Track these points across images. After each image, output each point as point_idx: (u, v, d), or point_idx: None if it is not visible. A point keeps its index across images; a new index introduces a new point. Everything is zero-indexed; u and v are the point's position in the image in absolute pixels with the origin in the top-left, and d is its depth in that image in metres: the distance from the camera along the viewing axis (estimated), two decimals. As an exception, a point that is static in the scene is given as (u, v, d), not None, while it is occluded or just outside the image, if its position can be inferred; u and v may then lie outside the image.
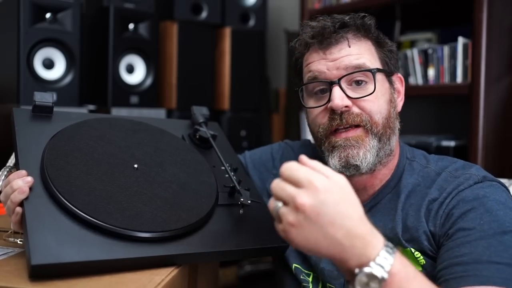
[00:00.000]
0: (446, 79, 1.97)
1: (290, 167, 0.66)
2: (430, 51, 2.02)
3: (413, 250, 0.88)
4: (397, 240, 0.90)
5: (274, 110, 2.93)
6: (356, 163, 0.91)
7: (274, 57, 3.05)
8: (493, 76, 1.82)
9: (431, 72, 2.02)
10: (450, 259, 0.80)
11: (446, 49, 1.97)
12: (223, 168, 1.05)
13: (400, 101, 1.01)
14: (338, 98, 0.91)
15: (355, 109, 0.92)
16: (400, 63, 2.04)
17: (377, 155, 0.92)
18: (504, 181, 1.32)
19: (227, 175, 1.03)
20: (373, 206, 0.97)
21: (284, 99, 2.92)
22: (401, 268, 0.64)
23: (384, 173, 0.97)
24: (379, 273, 0.62)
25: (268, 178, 1.14)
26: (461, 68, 1.91)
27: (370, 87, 0.92)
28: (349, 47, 0.93)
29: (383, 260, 0.63)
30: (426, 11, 2.27)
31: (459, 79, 1.92)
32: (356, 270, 0.63)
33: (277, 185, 0.66)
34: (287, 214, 0.64)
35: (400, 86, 1.01)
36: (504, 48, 1.86)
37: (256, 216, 0.99)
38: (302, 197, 0.63)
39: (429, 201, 0.89)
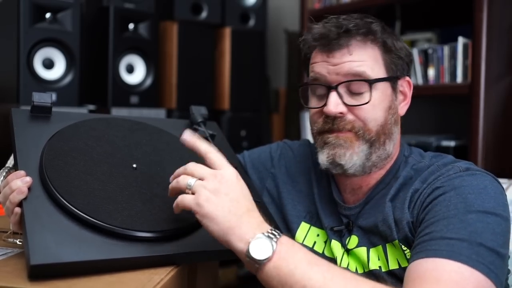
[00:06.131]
0: (446, 79, 1.97)
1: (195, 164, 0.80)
2: (430, 51, 2.02)
3: (401, 243, 0.89)
4: (389, 232, 0.90)
5: (274, 110, 2.93)
6: (342, 162, 0.93)
7: (274, 57, 3.05)
8: (493, 76, 1.82)
9: (431, 72, 2.02)
10: (415, 241, 0.83)
11: (446, 49, 1.97)
12: (222, 168, 1.05)
13: (404, 105, 1.00)
14: (333, 104, 0.92)
15: (350, 116, 0.93)
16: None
17: (367, 159, 0.93)
18: (504, 181, 1.32)
19: (226, 175, 1.03)
20: (367, 203, 0.97)
21: (284, 99, 2.91)
22: (284, 248, 0.74)
23: (381, 173, 0.98)
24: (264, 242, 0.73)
25: (267, 178, 1.14)
26: (461, 68, 1.91)
27: (367, 96, 0.92)
28: (351, 54, 0.92)
29: (266, 236, 0.74)
30: (426, 11, 2.27)
31: (459, 79, 1.92)
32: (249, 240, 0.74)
33: (193, 165, 0.79)
34: (208, 182, 0.76)
35: (407, 90, 1.00)
36: (504, 48, 1.86)
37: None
38: (224, 170, 0.78)
39: (412, 192, 0.90)
